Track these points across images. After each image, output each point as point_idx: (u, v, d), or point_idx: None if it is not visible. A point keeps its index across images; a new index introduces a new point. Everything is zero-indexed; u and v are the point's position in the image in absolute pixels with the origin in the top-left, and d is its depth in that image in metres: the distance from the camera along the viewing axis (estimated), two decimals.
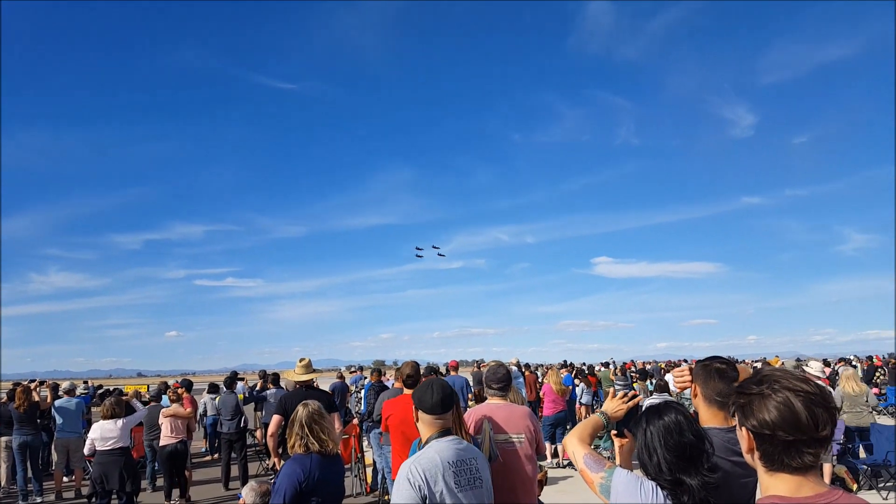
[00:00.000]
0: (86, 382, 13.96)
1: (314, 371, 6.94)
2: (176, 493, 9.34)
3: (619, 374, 16.66)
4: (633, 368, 22.72)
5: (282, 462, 6.57)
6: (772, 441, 1.51)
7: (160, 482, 10.15)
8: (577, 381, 15.64)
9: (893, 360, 21.48)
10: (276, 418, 6.45)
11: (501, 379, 4.34)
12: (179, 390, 10.71)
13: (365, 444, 10.62)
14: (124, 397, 9.39)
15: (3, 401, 10.33)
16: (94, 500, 7.45)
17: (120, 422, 7.51)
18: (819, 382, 1.55)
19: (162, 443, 9.31)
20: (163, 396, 11.37)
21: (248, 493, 4.05)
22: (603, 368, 21.06)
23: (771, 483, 1.54)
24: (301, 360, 6.81)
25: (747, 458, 1.60)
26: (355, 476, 9.68)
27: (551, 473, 10.02)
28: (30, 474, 10.02)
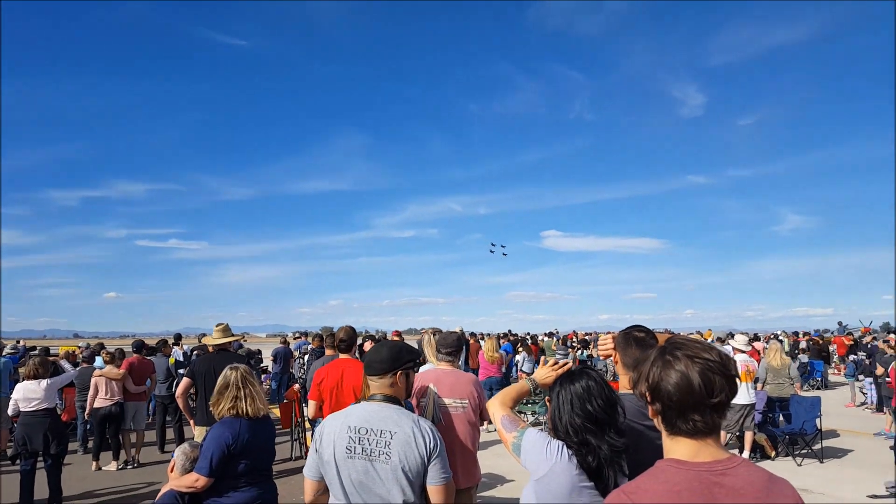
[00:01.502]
0: (18, 342, 13.48)
1: (232, 335, 6.97)
2: (109, 455, 9.24)
3: (560, 344, 17.09)
4: (574, 339, 23.35)
5: (194, 424, 6.61)
6: (664, 405, 1.54)
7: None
8: (519, 350, 15.96)
9: (817, 337, 22.64)
10: (185, 381, 6.50)
11: (451, 344, 4.46)
12: (103, 354, 10.41)
13: (306, 409, 10.67)
14: (52, 358, 9.16)
15: None
16: (18, 461, 7.26)
17: (44, 382, 7.23)
18: (723, 352, 1.60)
19: (96, 405, 9.18)
20: (97, 358, 11.11)
21: (179, 454, 3.99)
22: (546, 338, 21.59)
23: (671, 446, 1.57)
24: (218, 325, 6.84)
25: (655, 422, 1.64)
26: (295, 440, 9.73)
27: (488, 437, 10.28)
28: None
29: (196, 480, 3.74)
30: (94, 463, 9.13)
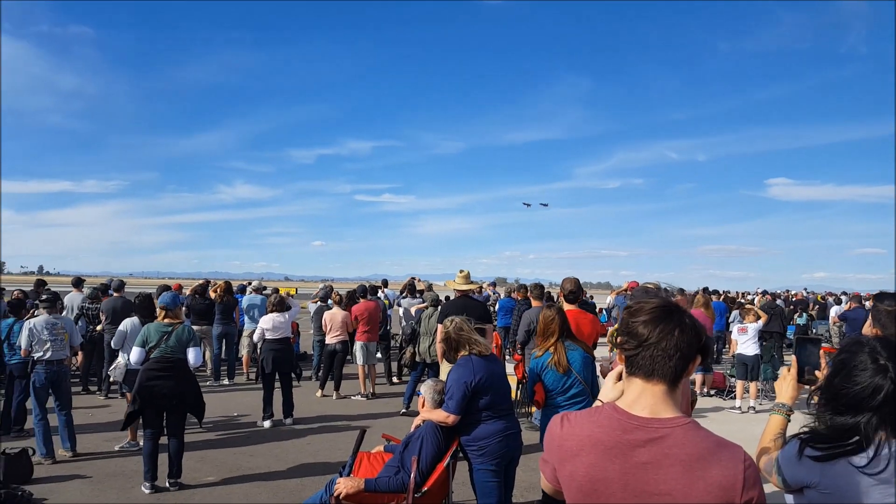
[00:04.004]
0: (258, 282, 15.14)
1: (472, 283, 7.32)
2: (331, 386, 10.09)
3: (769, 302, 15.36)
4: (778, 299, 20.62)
5: (445, 365, 6.94)
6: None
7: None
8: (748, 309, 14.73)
9: None
10: (439, 326, 6.75)
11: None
12: (333, 296, 11.29)
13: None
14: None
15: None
16: (257, 381, 8.37)
17: (286, 314, 8.32)
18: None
19: (327, 341, 10.07)
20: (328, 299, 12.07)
21: (426, 390, 4.34)
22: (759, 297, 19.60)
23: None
24: (461, 272, 7.13)
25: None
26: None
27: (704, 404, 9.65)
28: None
29: (447, 417, 3.98)
30: (320, 391, 10.07)
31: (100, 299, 10.15)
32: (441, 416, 3.98)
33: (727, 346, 14.25)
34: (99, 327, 9.59)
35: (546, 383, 4.34)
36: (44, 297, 6.81)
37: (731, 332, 12.32)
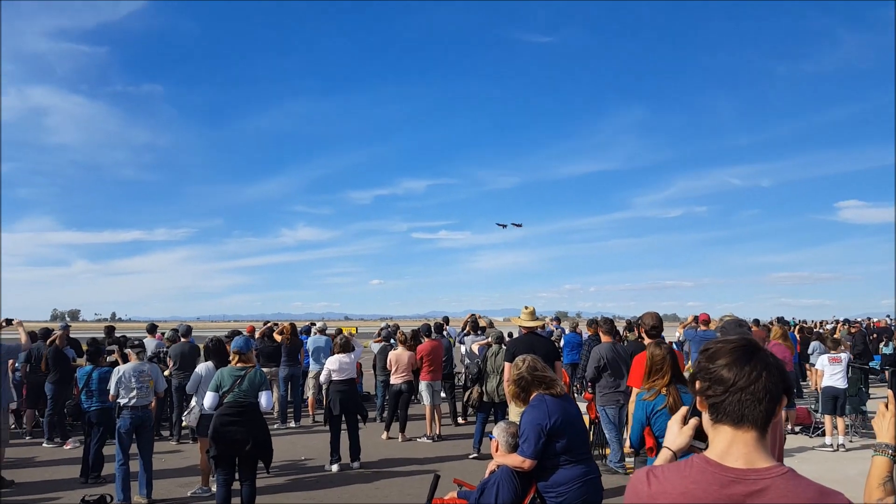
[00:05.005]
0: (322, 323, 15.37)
1: (537, 319, 7.32)
2: (396, 428, 9.97)
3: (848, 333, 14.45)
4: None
5: (517, 406, 6.86)
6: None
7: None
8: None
9: None
10: (506, 365, 6.69)
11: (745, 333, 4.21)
12: (398, 335, 11.30)
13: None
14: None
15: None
16: (325, 423, 8.39)
17: (352, 355, 8.34)
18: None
19: (392, 381, 10.04)
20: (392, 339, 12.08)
21: (499, 433, 4.19)
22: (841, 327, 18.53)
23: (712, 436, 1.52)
24: (526, 308, 7.09)
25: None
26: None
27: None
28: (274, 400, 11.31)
29: (523, 462, 3.84)
30: (385, 433, 9.96)
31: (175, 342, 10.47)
32: (517, 460, 3.84)
33: (805, 378, 13.50)
34: (167, 372, 9.84)
35: (657, 429, 4.03)
36: (136, 342, 7.40)
37: (813, 364, 11.65)
